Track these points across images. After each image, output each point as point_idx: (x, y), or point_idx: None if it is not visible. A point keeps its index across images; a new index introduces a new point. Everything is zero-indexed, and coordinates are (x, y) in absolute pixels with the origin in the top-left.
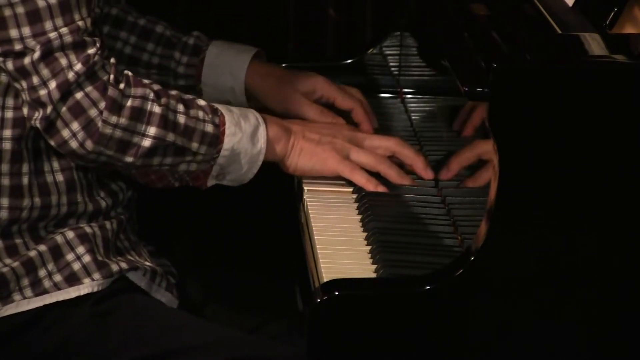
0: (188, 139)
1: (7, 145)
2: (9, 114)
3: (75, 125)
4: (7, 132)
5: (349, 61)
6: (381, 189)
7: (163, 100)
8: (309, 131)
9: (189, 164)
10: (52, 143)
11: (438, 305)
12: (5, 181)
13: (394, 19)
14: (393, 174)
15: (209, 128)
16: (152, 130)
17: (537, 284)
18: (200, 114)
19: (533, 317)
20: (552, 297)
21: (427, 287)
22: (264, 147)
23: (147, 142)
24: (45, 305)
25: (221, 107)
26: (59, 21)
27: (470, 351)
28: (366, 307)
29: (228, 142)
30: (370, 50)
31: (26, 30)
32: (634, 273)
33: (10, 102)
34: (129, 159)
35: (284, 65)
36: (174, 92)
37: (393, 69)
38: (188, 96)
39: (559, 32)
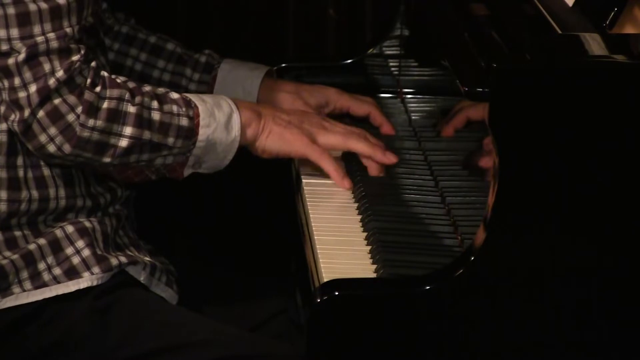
0: (164, 135)
1: (2, 138)
2: (2, 108)
3: (53, 130)
4: (3, 126)
5: (349, 61)
6: (347, 182)
7: (137, 99)
8: (279, 115)
9: (165, 158)
10: (30, 147)
11: (438, 305)
12: (3, 174)
13: (394, 19)
14: (363, 147)
15: (184, 122)
16: (128, 130)
17: (537, 284)
18: (175, 108)
19: (533, 318)
20: (552, 297)
21: (427, 287)
22: (239, 134)
23: (124, 142)
24: (45, 299)
25: (194, 98)
26: (48, 26)
27: (470, 351)
28: (366, 307)
29: (203, 134)
30: (370, 50)
31: (14, 32)
32: (634, 272)
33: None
34: (107, 160)
35: (283, 65)
36: (147, 89)
37: (393, 69)
38: (160, 90)
39: (559, 32)
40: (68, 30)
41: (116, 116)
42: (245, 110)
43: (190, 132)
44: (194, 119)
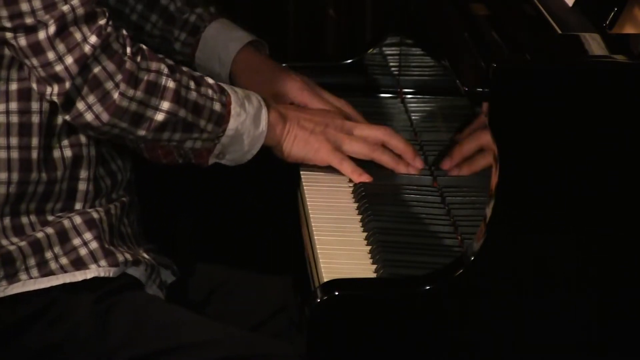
0: (197, 115)
1: (14, 119)
2: (14, 86)
3: (91, 98)
4: (13, 105)
5: (349, 61)
6: (365, 178)
7: (177, 75)
8: (304, 119)
9: (194, 141)
10: (67, 117)
11: (438, 305)
12: (15, 154)
13: (394, 19)
14: (387, 160)
15: (217, 107)
16: (165, 105)
17: (537, 284)
18: (210, 92)
19: (533, 318)
20: (551, 297)
21: (427, 287)
22: (265, 129)
23: (160, 116)
24: (50, 295)
25: (226, 87)
26: None
27: (470, 351)
28: (366, 307)
29: (233, 122)
30: (370, 50)
31: (37, 3)
32: (634, 272)
33: (14, 74)
34: (142, 132)
35: (283, 65)
36: (185, 69)
37: (393, 69)
38: (197, 74)
39: (559, 32)
40: None
41: (155, 89)
42: (272, 110)
43: (222, 119)
44: (226, 106)
